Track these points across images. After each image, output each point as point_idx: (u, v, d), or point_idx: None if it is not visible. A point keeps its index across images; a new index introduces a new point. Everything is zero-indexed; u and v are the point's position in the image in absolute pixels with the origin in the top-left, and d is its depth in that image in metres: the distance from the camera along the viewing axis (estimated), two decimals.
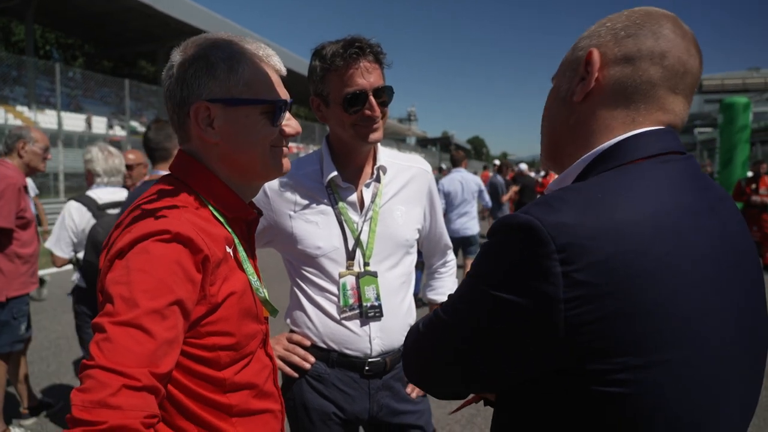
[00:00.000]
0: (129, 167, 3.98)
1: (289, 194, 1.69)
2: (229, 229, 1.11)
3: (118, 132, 24.98)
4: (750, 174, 10.39)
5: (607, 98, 0.89)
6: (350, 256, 1.67)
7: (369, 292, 1.67)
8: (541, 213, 0.75)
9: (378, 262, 1.70)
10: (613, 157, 0.85)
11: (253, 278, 1.16)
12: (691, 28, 0.89)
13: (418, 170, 1.84)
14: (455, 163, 7.45)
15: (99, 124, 25.69)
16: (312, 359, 1.69)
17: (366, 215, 1.70)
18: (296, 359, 1.69)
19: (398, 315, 1.73)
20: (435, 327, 0.90)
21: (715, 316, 0.77)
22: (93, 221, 3.20)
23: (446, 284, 2.05)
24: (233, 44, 1.11)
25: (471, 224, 7.05)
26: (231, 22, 33.76)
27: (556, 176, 0.97)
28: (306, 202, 1.68)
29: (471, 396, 1.05)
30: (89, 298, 3.33)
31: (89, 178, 3.42)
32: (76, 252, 3.27)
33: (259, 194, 1.66)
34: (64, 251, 3.23)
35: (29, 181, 3.89)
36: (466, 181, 7.03)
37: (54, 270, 7.41)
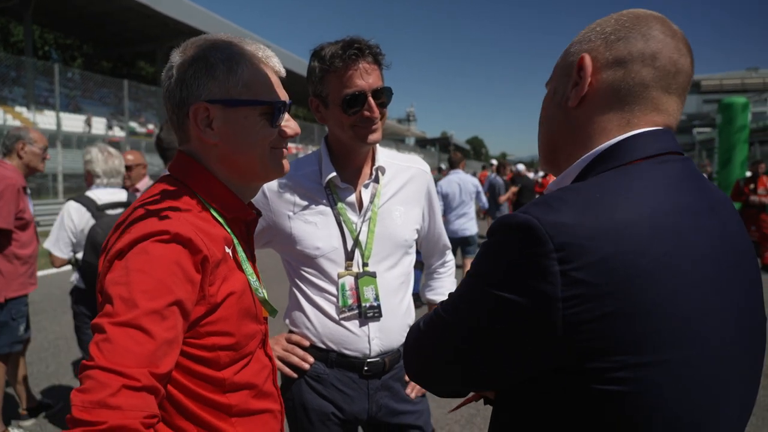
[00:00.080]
0: (128, 168, 3.98)
1: (288, 195, 1.69)
2: (228, 230, 1.12)
3: (118, 133, 24.96)
4: (748, 174, 10.40)
5: (601, 102, 0.89)
6: (349, 256, 1.68)
7: (368, 293, 1.67)
8: (540, 212, 0.75)
9: (377, 263, 1.70)
10: (611, 157, 0.86)
11: (253, 278, 1.16)
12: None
13: (416, 171, 1.84)
14: (453, 165, 7.53)
15: (98, 124, 25.69)
16: (311, 359, 1.70)
17: (365, 216, 1.70)
18: (295, 359, 1.70)
19: (397, 315, 1.73)
20: (435, 326, 0.90)
21: (716, 316, 0.77)
22: (92, 222, 3.20)
23: (445, 284, 2.05)
24: (233, 45, 1.11)
25: (469, 225, 7.16)
26: (230, 23, 33.77)
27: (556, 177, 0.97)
28: (305, 202, 1.69)
29: (471, 394, 1.05)
30: (88, 298, 3.33)
31: (89, 178, 3.42)
32: (75, 252, 3.27)
33: (258, 195, 1.66)
34: (62, 251, 3.22)
35: None
36: (464, 182, 7.13)
37: (53, 271, 7.41)
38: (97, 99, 28.34)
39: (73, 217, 3.21)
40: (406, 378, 1.79)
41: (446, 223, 6.71)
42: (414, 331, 0.98)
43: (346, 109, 1.57)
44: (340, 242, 1.67)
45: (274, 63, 1.17)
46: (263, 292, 1.19)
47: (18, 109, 23.69)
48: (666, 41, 0.87)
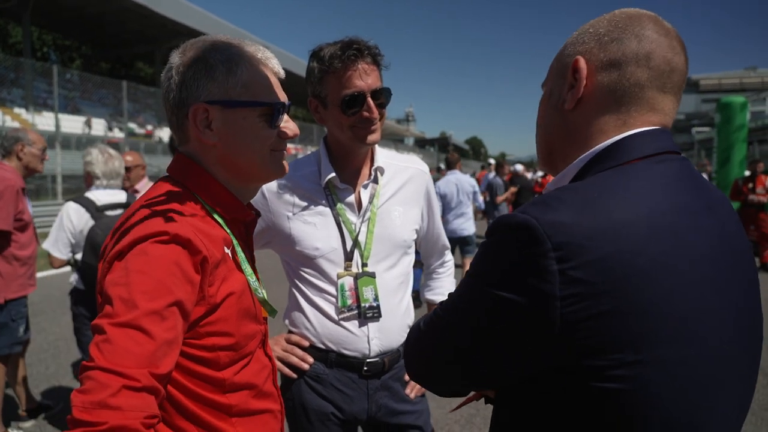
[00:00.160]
0: (127, 169, 3.98)
1: (287, 196, 1.69)
2: (228, 231, 1.12)
3: (116, 134, 24.96)
4: (747, 173, 10.41)
5: (598, 104, 0.89)
6: (348, 257, 1.68)
7: (367, 293, 1.67)
8: (538, 212, 0.75)
9: (376, 263, 1.71)
10: (609, 157, 0.86)
11: (252, 279, 1.16)
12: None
13: (415, 171, 1.84)
14: (450, 165, 7.59)
15: (97, 125, 25.69)
16: (310, 360, 1.70)
17: (364, 216, 1.70)
18: (295, 360, 1.70)
19: (396, 315, 1.73)
20: (435, 326, 0.91)
21: (714, 316, 0.78)
22: (91, 222, 3.20)
23: (444, 284, 2.05)
24: (232, 46, 1.11)
25: (468, 225, 7.24)
26: (229, 24, 33.77)
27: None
28: (304, 203, 1.69)
29: (471, 394, 1.06)
30: (87, 299, 3.33)
31: (88, 179, 3.42)
32: (74, 253, 3.27)
33: (258, 196, 1.66)
34: (61, 252, 3.22)
35: None
36: (461, 182, 7.20)
37: (52, 272, 7.41)
38: (96, 100, 28.33)
39: (72, 218, 3.21)
40: (406, 378, 1.79)
41: (444, 223, 6.73)
42: (414, 331, 0.98)
43: (345, 109, 1.57)
44: (339, 243, 1.68)
45: (273, 64, 1.17)
46: (263, 293, 1.19)
47: (17, 110, 23.69)
48: (659, 40, 0.87)
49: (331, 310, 1.68)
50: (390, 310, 1.71)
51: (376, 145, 1.74)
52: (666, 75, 0.87)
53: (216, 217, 1.11)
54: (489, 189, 10.13)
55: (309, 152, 1.85)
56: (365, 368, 1.69)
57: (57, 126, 17.83)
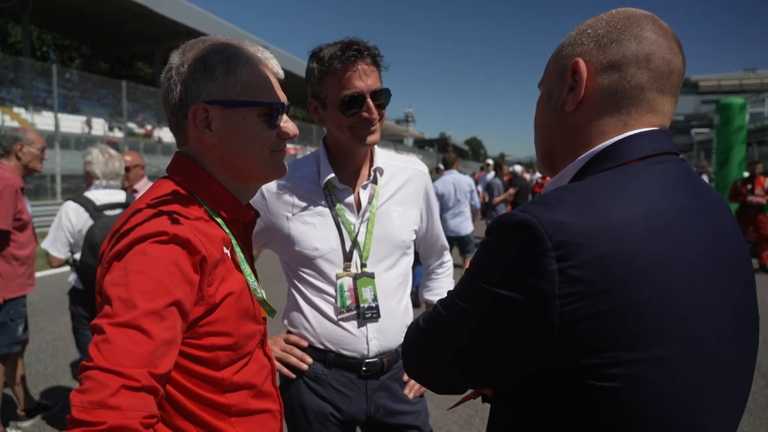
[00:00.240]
0: (126, 169, 3.98)
1: (286, 196, 1.70)
2: (227, 231, 1.12)
3: (116, 134, 24.95)
4: (746, 174, 10.42)
5: (598, 106, 0.89)
6: (347, 257, 1.68)
7: (366, 293, 1.67)
8: (538, 211, 0.76)
9: (375, 263, 1.71)
10: (608, 158, 0.86)
11: (251, 279, 1.16)
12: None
13: (414, 171, 1.85)
14: (447, 165, 7.64)
15: (96, 125, 25.67)
16: (309, 360, 1.70)
17: (363, 217, 1.70)
18: (294, 360, 1.70)
19: (395, 316, 1.73)
20: (435, 324, 0.91)
21: (711, 316, 0.78)
22: (90, 222, 3.20)
23: (443, 285, 2.05)
24: (231, 47, 1.11)
25: (465, 224, 7.33)
26: (228, 24, 33.79)
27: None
28: (303, 203, 1.69)
29: (468, 392, 1.06)
30: (86, 299, 3.33)
31: (88, 179, 3.42)
32: (72, 253, 3.27)
33: (257, 196, 1.66)
34: (59, 251, 3.22)
35: None
36: (459, 182, 7.26)
37: (51, 271, 7.40)
38: (96, 100, 28.34)
39: (71, 218, 3.20)
40: (405, 378, 1.79)
41: (442, 222, 6.73)
42: (413, 329, 0.98)
43: (345, 110, 1.57)
44: (338, 243, 1.68)
45: (272, 64, 1.17)
46: (262, 293, 1.20)
47: (16, 110, 23.69)
48: (659, 42, 0.87)
49: (330, 310, 1.68)
50: (389, 311, 1.71)
51: (376, 146, 1.74)
52: (665, 76, 0.87)
53: (215, 217, 1.11)
54: (488, 189, 10.14)
55: (308, 153, 1.85)
56: (364, 368, 1.69)
57: (56, 126, 17.81)
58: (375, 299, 1.68)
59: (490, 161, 13.44)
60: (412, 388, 1.80)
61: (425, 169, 1.90)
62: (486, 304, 0.79)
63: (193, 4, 28.84)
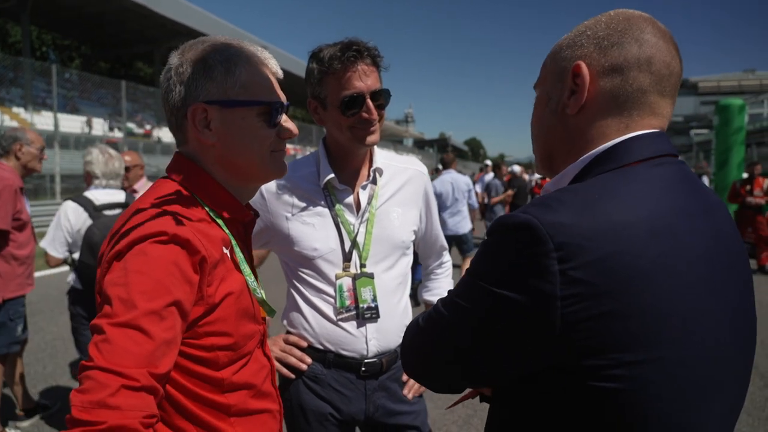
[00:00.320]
0: (126, 169, 3.98)
1: (286, 196, 1.70)
2: (226, 231, 1.12)
3: (115, 134, 24.94)
4: (745, 175, 10.43)
5: (600, 108, 0.89)
6: (347, 257, 1.68)
7: (365, 294, 1.67)
8: (539, 212, 0.76)
9: (374, 264, 1.71)
10: (609, 159, 0.86)
11: (251, 279, 1.16)
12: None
13: (414, 172, 1.85)
14: (445, 165, 7.68)
15: (96, 125, 25.66)
16: (309, 360, 1.70)
17: (362, 217, 1.71)
18: (293, 360, 1.70)
19: (395, 316, 1.74)
20: (434, 324, 0.91)
21: (710, 317, 0.78)
22: (89, 222, 3.20)
23: (442, 285, 2.06)
24: (231, 47, 1.12)
25: (464, 223, 7.39)
26: (228, 24, 33.80)
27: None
28: (303, 204, 1.69)
29: (467, 391, 1.06)
30: (85, 299, 3.33)
31: (88, 179, 3.42)
32: (71, 253, 3.27)
33: (257, 196, 1.67)
34: (58, 251, 3.22)
35: None
36: (456, 181, 7.30)
37: (50, 271, 7.40)
38: (95, 100, 28.34)
39: (70, 217, 3.20)
40: (404, 378, 1.79)
41: (441, 222, 6.76)
42: (412, 328, 0.98)
43: (345, 110, 1.58)
44: (337, 243, 1.68)
45: (271, 64, 1.17)
46: (261, 293, 1.20)
47: (15, 109, 23.68)
48: (659, 45, 0.87)
49: (329, 310, 1.68)
50: (388, 311, 1.71)
51: (375, 146, 1.74)
52: (666, 79, 0.87)
53: (214, 217, 1.11)
54: (487, 190, 10.14)
55: (308, 153, 1.85)
56: (363, 369, 1.69)
57: (56, 125, 17.79)
58: (374, 299, 1.68)
59: (489, 162, 13.45)
60: (411, 389, 1.80)
61: (425, 169, 1.90)
62: (487, 304, 0.79)
63: (193, 4, 28.84)
